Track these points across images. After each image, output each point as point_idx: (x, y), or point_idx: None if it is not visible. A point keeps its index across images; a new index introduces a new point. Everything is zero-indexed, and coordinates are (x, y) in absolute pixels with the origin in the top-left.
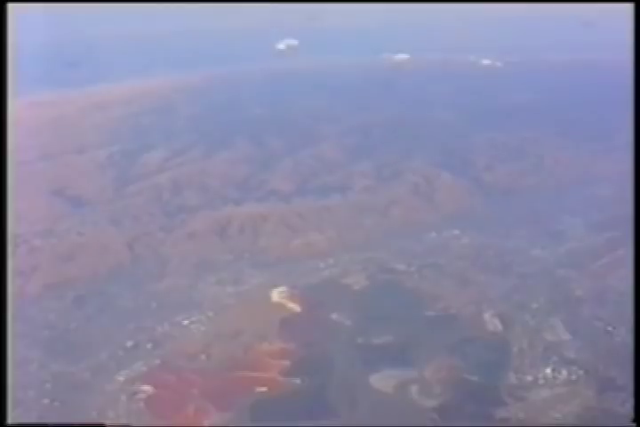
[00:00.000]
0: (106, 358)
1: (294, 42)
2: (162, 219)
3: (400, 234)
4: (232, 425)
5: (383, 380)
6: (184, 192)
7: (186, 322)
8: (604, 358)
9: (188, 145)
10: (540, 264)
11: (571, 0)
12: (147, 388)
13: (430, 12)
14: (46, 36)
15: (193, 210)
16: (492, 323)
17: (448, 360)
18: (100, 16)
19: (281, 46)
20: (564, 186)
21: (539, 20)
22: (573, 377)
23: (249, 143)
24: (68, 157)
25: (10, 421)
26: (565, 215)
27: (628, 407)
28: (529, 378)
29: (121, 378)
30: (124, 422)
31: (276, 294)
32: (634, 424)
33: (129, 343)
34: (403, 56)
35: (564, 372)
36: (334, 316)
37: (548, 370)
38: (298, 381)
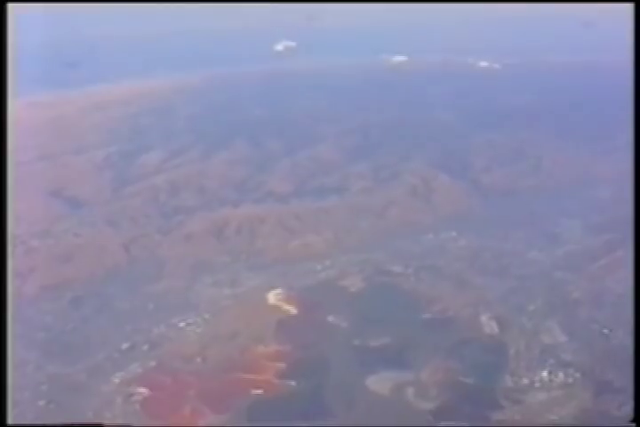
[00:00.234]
0: (102, 360)
1: (292, 43)
2: (159, 220)
3: (397, 236)
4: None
5: (379, 382)
6: (181, 193)
7: (182, 324)
8: (601, 361)
9: (186, 146)
10: (538, 266)
11: (571, 0)
12: (143, 390)
13: (430, 12)
14: (46, 36)
15: (190, 211)
16: (489, 325)
17: (444, 363)
18: (100, 16)
19: (279, 48)
20: (562, 188)
21: (538, 20)
22: (570, 380)
23: (247, 144)
24: (67, 158)
25: (10, 421)
26: (563, 217)
27: (624, 410)
28: (525, 381)
29: (117, 380)
30: (119, 423)
31: (273, 296)
32: (633, 425)
33: (125, 345)
34: (401, 58)
35: (561, 375)
36: (331, 318)
37: (545, 373)
38: (294, 383)
